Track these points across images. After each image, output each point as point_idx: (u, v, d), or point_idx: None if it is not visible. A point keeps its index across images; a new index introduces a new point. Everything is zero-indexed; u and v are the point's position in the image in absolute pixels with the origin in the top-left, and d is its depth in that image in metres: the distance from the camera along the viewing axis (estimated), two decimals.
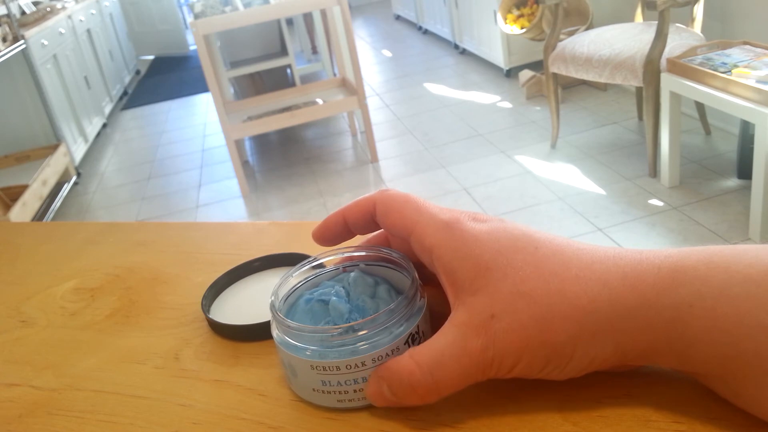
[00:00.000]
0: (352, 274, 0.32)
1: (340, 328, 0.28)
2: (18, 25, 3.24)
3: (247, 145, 3.51)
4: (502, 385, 0.28)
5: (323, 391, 0.29)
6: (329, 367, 0.28)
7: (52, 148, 3.24)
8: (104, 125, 4.33)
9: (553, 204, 2.32)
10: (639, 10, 2.68)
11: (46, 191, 2.95)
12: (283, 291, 0.32)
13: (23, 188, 2.73)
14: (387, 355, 0.28)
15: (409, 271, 0.30)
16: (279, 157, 3.31)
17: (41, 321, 0.41)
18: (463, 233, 0.27)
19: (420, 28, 5.36)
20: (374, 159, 3.02)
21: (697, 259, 0.24)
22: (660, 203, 2.17)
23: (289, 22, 4.62)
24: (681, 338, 0.23)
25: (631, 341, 0.24)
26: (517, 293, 0.25)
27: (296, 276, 0.33)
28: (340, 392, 0.28)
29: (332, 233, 0.32)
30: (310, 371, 0.28)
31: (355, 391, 0.28)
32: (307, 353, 0.28)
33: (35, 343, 0.39)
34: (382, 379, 0.27)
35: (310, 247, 0.45)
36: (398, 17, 6.08)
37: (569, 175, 2.49)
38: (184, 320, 0.39)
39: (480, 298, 0.25)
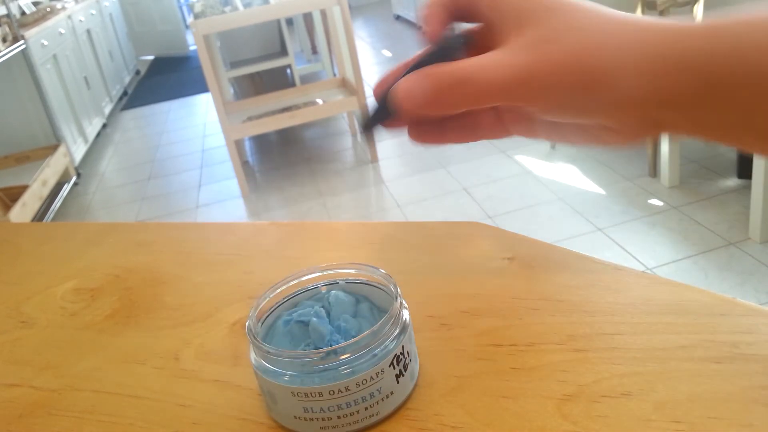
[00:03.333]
0: (332, 292, 0.31)
1: (321, 352, 0.27)
2: (18, 25, 3.24)
3: (247, 145, 3.51)
4: (502, 385, 0.28)
5: (305, 418, 0.27)
6: (311, 393, 0.26)
7: (52, 148, 3.24)
8: (104, 125, 4.33)
9: (553, 204, 2.32)
10: (639, 10, 2.68)
11: (46, 191, 2.95)
12: (260, 312, 0.31)
13: (23, 189, 2.73)
14: (372, 378, 0.27)
15: (391, 289, 0.29)
16: (279, 157, 3.31)
17: (41, 321, 0.41)
18: None
19: (420, 28, 5.36)
20: (374, 159, 3.02)
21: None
22: (660, 203, 2.17)
23: (289, 22, 4.62)
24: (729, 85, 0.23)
25: (671, 84, 0.24)
26: (571, 26, 0.25)
27: (274, 296, 0.32)
28: (323, 419, 0.27)
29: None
30: (290, 398, 0.27)
31: (339, 417, 0.27)
32: (286, 378, 0.27)
33: (35, 343, 0.39)
34: (426, 76, 0.28)
35: (310, 247, 0.45)
36: (398, 17, 6.08)
37: (569, 175, 2.49)
38: (184, 320, 0.39)
39: (533, 28, 0.26)
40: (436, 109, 0.28)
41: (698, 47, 0.23)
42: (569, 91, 0.25)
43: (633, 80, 0.24)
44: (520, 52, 0.26)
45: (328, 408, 0.27)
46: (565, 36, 0.25)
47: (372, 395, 0.27)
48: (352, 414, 0.27)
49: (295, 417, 0.27)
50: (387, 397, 0.27)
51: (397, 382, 0.28)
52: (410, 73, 0.28)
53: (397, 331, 0.27)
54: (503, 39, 0.27)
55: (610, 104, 0.25)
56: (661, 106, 0.24)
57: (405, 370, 0.28)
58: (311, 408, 0.27)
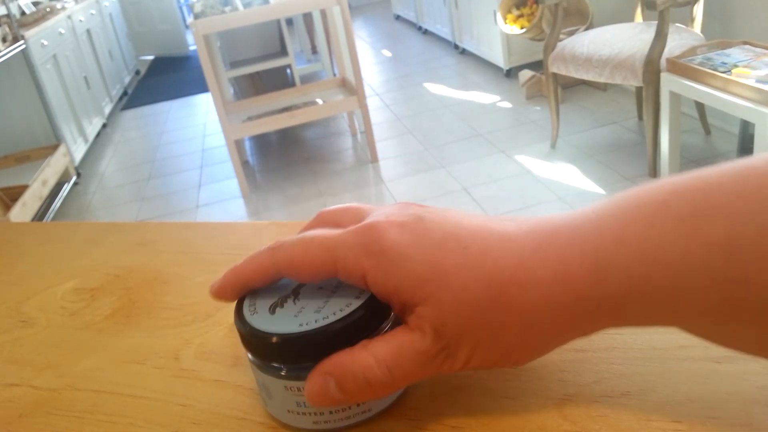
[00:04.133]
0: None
1: None
2: (18, 25, 3.24)
3: (247, 145, 3.51)
4: (502, 386, 0.28)
5: (298, 413, 0.27)
6: (303, 387, 0.26)
7: (52, 148, 3.24)
8: (104, 125, 4.33)
9: (553, 204, 2.32)
10: (639, 10, 2.68)
11: (46, 191, 2.95)
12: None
13: (23, 188, 2.73)
14: None
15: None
16: (279, 157, 3.31)
17: (41, 321, 0.41)
18: (387, 254, 0.25)
19: (420, 28, 5.36)
20: (374, 159, 3.02)
21: (619, 251, 0.23)
22: None
23: (289, 22, 4.61)
24: (625, 317, 0.24)
25: (574, 330, 0.25)
26: (460, 302, 0.24)
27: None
28: (315, 413, 0.27)
29: (233, 293, 0.29)
30: (284, 392, 0.27)
31: (330, 412, 0.27)
32: (282, 373, 0.27)
33: (35, 343, 0.39)
34: (329, 375, 0.25)
35: None
36: (398, 17, 6.08)
37: (569, 175, 2.50)
38: (184, 320, 0.39)
39: (427, 309, 0.25)
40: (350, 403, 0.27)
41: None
42: (482, 361, 0.26)
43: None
44: (430, 338, 0.25)
45: None
46: (460, 318, 0.25)
47: None
48: (344, 410, 0.27)
49: (288, 411, 0.28)
50: None
51: None
52: (312, 373, 0.26)
53: (389, 326, 0.27)
54: (402, 302, 0.26)
55: (529, 357, 0.26)
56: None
57: None
58: (304, 402, 0.27)
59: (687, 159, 2.40)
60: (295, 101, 3.07)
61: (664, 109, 2.12)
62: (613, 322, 0.24)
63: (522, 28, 3.29)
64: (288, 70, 3.94)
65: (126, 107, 4.87)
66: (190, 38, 6.01)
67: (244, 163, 3.24)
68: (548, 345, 0.26)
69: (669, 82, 2.06)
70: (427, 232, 0.25)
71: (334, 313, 0.26)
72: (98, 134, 4.11)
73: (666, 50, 2.13)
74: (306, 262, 0.26)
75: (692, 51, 2.05)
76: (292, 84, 3.78)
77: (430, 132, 3.23)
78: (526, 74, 3.41)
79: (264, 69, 3.65)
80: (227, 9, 2.77)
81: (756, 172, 0.21)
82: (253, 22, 2.73)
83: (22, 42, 3.12)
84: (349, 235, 0.26)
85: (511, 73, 3.72)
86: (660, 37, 2.11)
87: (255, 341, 0.27)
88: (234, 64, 3.67)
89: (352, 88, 2.95)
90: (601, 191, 2.33)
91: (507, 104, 3.39)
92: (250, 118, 2.90)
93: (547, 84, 2.65)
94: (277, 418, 0.29)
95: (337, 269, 0.26)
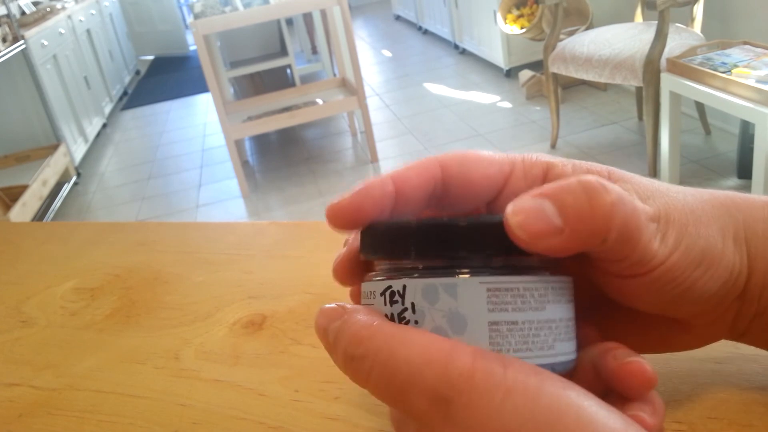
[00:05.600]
0: None
1: None
2: (18, 25, 3.24)
3: (247, 145, 3.51)
4: None
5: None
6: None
7: (52, 148, 3.24)
8: (104, 125, 4.33)
9: None
10: (639, 10, 2.68)
11: (46, 191, 2.94)
12: None
13: (23, 188, 2.73)
14: None
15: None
16: (279, 157, 3.31)
17: (41, 321, 0.41)
18: (573, 160, 0.24)
19: (420, 28, 5.36)
20: (374, 159, 3.01)
21: None
22: None
23: (289, 22, 4.61)
24: None
25: (761, 253, 0.23)
26: (664, 187, 0.23)
27: None
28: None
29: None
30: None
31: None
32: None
33: (35, 343, 0.39)
34: (541, 197, 0.19)
35: (310, 247, 0.45)
36: (398, 17, 6.08)
37: None
38: (184, 320, 0.39)
39: (625, 184, 0.23)
40: (570, 244, 0.19)
41: None
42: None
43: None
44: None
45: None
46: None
47: None
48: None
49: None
50: None
51: None
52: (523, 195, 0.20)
53: None
54: None
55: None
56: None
57: None
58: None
59: (687, 159, 2.40)
60: (295, 101, 3.06)
61: (664, 109, 2.12)
62: None
63: (522, 28, 3.29)
64: (288, 70, 3.93)
65: (126, 107, 4.87)
66: (190, 38, 6.01)
67: (244, 163, 3.24)
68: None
69: (669, 82, 2.06)
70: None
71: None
72: (98, 134, 4.11)
73: (666, 50, 2.13)
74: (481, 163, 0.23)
75: (692, 51, 2.05)
76: (292, 84, 3.78)
77: (430, 132, 3.23)
78: (526, 74, 3.41)
79: (264, 69, 3.65)
80: (227, 9, 2.77)
81: None
82: (253, 22, 2.72)
83: (22, 42, 3.12)
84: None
85: (511, 73, 3.72)
86: (660, 37, 2.11)
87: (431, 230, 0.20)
88: (234, 64, 3.67)
89: (352, 88, 2.95)
90: None
91: (507, 104, 3.39)
92: (250, 118, 2.90)
93: (547, 84, 2.65)
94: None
95: (513, 170, 0.23)
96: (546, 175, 0.23)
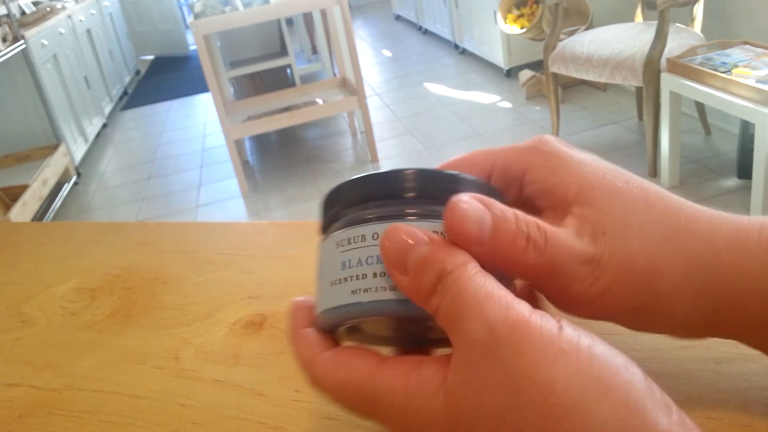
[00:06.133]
0: None
1: None
2: (18, 25, 3.24)
3: (247, 145, 3.51)
4: None
5: (344, 279, 0.22)
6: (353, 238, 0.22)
7: (52, 148, 3.24)
8: (104, 125, 4.32)
9: None
10: (639, 10, 2.68)
11: (46, 191, 2.94)
12: None
13: (23, 188, 2.73)
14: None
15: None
16: (279, 157, 3.31)
17: (41, 321, 0.41)
18: (557, 153, 0.24)
19: (420, 28, 5.36)
20: (374, 159, 3.01)
21: None
22: None
23: (289, 22, 4.61)
24: None
25: (730, 306, 0.22)
26: (628, 222, 0.22)
27: None
28: (359, 277, 0.22)
29: None
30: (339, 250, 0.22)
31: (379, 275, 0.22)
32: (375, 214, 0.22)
33: (35, 343, 0.39)
34: (488, 206, 0.21)
35: (310, 247, 0.45)
36: (398, 17, 6.08)
37: None
38: (184, 320, 0.39)
39: (589, 210, 0.23)
40: (486, 252, 0.21)
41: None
42: (621, 302, 0.23)
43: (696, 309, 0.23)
44: (587, 239, 0.22)
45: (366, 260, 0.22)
46: (624, 238, 0.22)
47: None
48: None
49: (331, 284, 0.23)
50: None
51: None
52: (472, 194, 0.22)
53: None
54: (558, 201, 0.24)
55: (667, 325, 0.24)
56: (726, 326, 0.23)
57: None
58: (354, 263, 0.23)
59: (687, 159, 2.40)
60: (295, 101, 3.06)
61: (664, 109, 2.12)
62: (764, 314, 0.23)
63: (522, 28, 3.29)
64: (288, 70, 3.93)
65: (126, 107, 4.87)
66: (190, 38, 6.00)
67: (244, 163, 3.24)
68: (695, 312, 0.23)
69: (669, 82, 2.06)
70: (601, 161, 0.25)
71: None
72: (98, 134, 4.11)
73: (666, 50, 2.13)
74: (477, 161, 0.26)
75: (692, 51, 2.05)
76: (292, 84, 3.77)
77: (430, 132, 3.23)
78: (526, 74, 3.41)
79: (264, 69, 3.65)
80: (227, 9, 2.77)
81: None
82: (253, 21, 2.72)
83: (22, 42, 3.12)
84: (519, 144, 0.26)
85: (511, 73, 3.72)
86: (660, 37, 2.11)
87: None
88: (234, 64, 3.66)
89: (352, 88, 2.95)
90: None
91: (507, 104, 3.39)
92: (250, 118, 2.90)
93: (547, 84, 2.65)
94: (320, 299, 0.24)
95: (494, 165, 0.25)
96: (524, 176, 0.25)
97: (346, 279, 0.22)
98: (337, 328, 0.24)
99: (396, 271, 0.21)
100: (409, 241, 0.21)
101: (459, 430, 0.19)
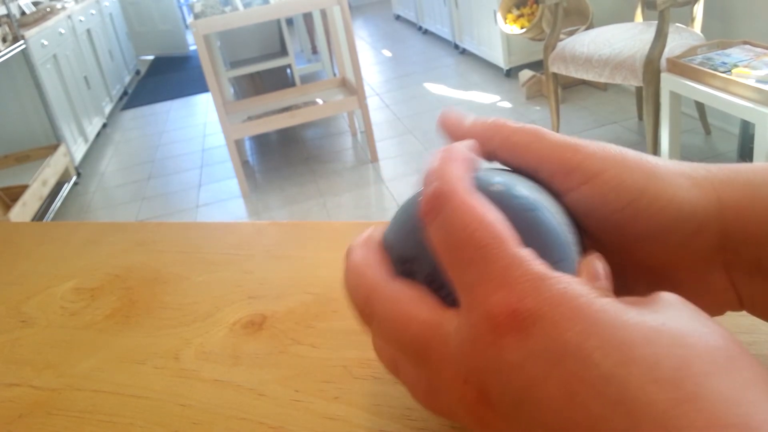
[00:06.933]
0: None
1: None
2: (18, 25, 3.24)
3: (247, 145, 3.51)
4: None
5: None
6: None
7: (52, 148, 3.24)
8: (104, 125, 4.33)
9: None
10: (639, 10, 2.68)
11: (46, 191, 2.94)
12: None
13: (23, 188, 2.73)
14: None
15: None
16: (279, 157, 3.31)
17: (41, 321, 0.41)
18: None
19: (420, 28, 5.36)
20: (374, 159, 3.01)
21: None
22: None
23: (289, 22, 4.62)
24: None
25: (735, 205, 0.23)
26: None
27: None
28: None
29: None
30: None
31: None
32: None
33: (35, 343, 0.39)
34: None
35: (310, 247, 0.45)
36: (398, 17, 6.08)
37: None
38: (184, 320, 0.39)
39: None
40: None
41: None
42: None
43: None
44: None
45: None
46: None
47: None
48: None
49: None
50: None
51: None
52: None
53: None
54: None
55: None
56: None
57: None
58: None
59: (687, 159, 2.39)
60: (295, 101, 3.06)
61: (664, 109, 2.12)
62: None
63: (522, 28, 3.29)
64: (288, 70, 3.94)
65: (126, 107, 4.87)
66: (190, 38, 6.01)
67: (244, 163, 3.24)
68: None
69: (669, 82, 2.06)
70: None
71: None
72: (98, 134, 4.11)
73: (666, 50, 2.13)
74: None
75: (692, 51, 2.05)
76: (292, 84, 3.78)
77: (430, 132, 3.23)
78: (526, 74, 3.41)
79: (264, 69, 3.65)
80: (227, 9, 2.77)
81: None
82: (253, 22, 2.72)
83: (22, 42, 3.12)
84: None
85: (511, 73, 3.72)
86: (660, 37, 2.11)
87: None
88: (234, 64, 3.67)
89: (352, 88, 2.95)
90: None
91: (507, 104, 3.39)
92: (250, 118, 2.90)
93: (547, 84, 2.65)
94: None
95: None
96: (529, 145, 0.24)
97: None
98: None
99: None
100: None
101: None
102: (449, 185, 0.21)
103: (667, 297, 0.19)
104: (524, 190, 0.22)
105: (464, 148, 0.23)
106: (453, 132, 0.25)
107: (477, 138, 0.25)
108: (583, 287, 0.18)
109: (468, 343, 0.19)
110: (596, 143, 0.24)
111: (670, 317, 0.18)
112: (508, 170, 0.25)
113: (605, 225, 0.23)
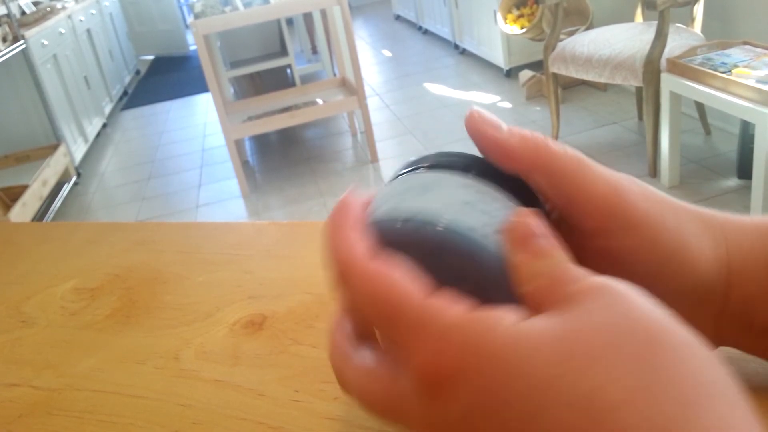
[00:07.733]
0: None
1: None
2: (18, 25, 3.24)
3: (247, 145, 3.51)
4: None
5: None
6: None
7: (52, 148, 3.24)
8: (104, 125, 4.32)
9: None
10: (639, 10, 2.68)
11: (46, 191, 2.94)
12: None
13: (23, 188, 2.73)
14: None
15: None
16: (279, 157, 3.31)
17: (41, 321, 0.41)
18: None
19: (420, 28, 5.36)
20: (374, 159, 3.01)
21: None
22: None
23: (289, 22, 4.61)
24: None
25: (740, 266, 0.24)
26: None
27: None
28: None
29: None
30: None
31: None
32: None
33: (35, 343, 0.39)
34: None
35: (310, 247, 0.45)
36: (398, 17, 6.08)
37: None
38: (184, 320, 0.39)
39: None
40: None
41: None
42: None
43: None
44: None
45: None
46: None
47: None
48: None
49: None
50: None
51: None
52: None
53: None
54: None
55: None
56: None
57: None
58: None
59: (687, 159, 2.40)
60: (295, 101, 3.06)
61: (664, 109, 2.12)
62: None
63: (522, 28, 3.29)
64: (288, 70, 3.93)
65: (126, 107, 4.87)
66: (190, 38, 6.00)
67: (244, 163, 3.24)
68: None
69: (669, 83, 2.06)
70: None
71: None
72: (98, 134, 4.11)
73: (666, 50, 2.13)
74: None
75: (692, 51, 2.05)
76: (292, 84, 3.77)
77: (430, 132, 3.23)
78: (526, 74, 3.41)
79: (264, 69, 3.65)
80: (227, 9, 2.77)
81: None
82: (253, 22, 2.72)
83: (22, 42, 3.12)
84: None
85: (511, 73, 3.72)
86: (660, 37, 2.11)
87: None
88: (234, 64, 3.66)
89: (352, 88, 2.95)
90: None
91: (507, 104, 3.39)
92: (250, 118, 2.90)
93: (547, 84, 2.65)
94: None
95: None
96: (572, 174, 0.24)
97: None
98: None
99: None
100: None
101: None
102: (345, 257, 0.20)
103: (603, 294, 0.19)
104: (434, 203, 0.21)
105: (353, 203, 0.23)
106: (486, 141, 0.23)
107: (512, 152, 0.23)
108: (498, 321, 0.18)
109: (416, 399, 0.19)
110: (637, 184, 0.25)
111: (586, 323, 0.18)
112: (418, 170, 0.24)
113: (623, 268, 0.23)
